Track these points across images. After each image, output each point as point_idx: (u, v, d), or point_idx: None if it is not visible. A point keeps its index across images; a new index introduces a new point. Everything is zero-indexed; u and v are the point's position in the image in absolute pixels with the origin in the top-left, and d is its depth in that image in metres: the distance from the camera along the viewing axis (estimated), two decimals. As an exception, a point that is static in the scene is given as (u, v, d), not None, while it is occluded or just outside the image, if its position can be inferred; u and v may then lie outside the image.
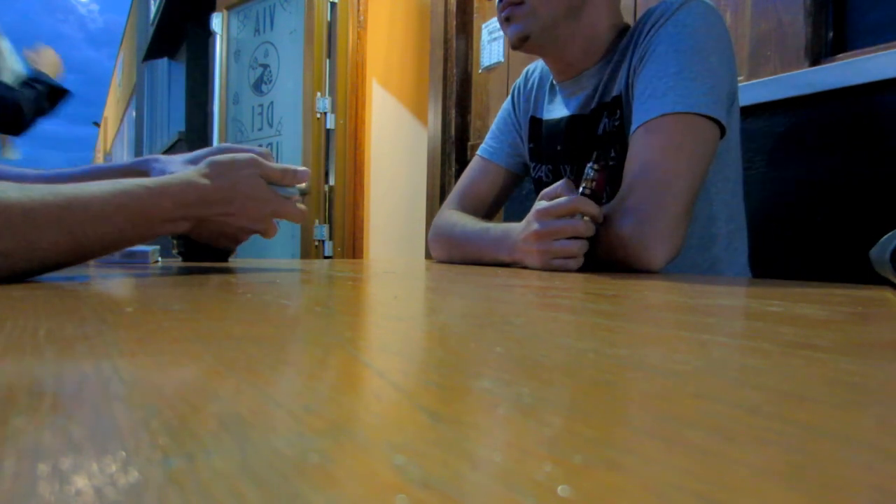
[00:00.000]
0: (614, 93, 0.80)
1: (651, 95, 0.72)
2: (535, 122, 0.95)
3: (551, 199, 0.70)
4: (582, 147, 0.85)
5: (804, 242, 0.88)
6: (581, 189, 0.70)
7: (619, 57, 0.80)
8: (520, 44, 0.82)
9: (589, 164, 0.70)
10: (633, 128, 0.74)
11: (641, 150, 0.71)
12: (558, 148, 0.89)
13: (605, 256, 0.71)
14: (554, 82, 0.91)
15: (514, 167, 1.01)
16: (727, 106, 0.73)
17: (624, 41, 0.81)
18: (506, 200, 1.07)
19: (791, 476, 0.09)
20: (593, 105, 0.83)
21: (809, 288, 0.47)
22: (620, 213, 0.70)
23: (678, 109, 0.70)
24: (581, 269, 0.70)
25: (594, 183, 0.70)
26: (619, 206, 0.71)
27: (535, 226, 0.70)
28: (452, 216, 0.96)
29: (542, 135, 0.93)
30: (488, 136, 1.04)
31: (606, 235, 0.70)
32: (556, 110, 0.91)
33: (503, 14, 0.82)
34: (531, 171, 0.97)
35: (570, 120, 0.86)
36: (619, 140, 0.79)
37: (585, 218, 0.69)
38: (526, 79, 1.00)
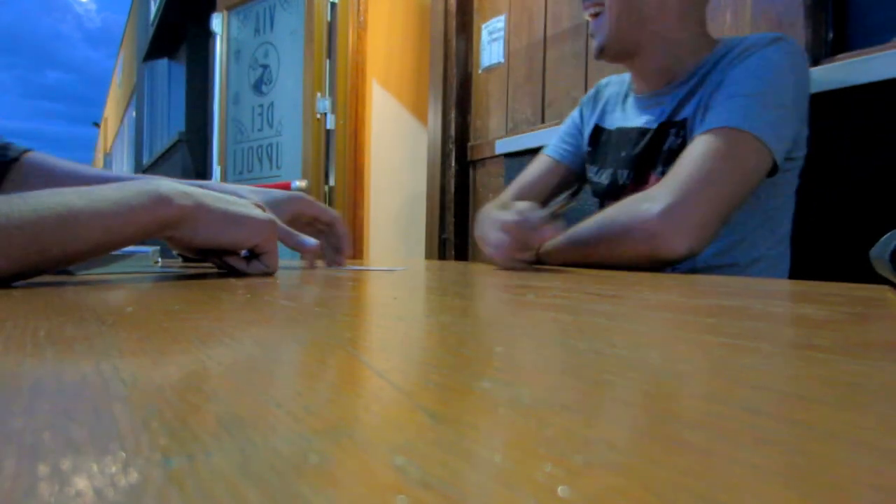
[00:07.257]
0: (683, 115, 0.83)
1: (720, 109, 0.75)
2: (597, 130, 1.00)
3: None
4: (644, 157, 0.87)
5: (804, 242, 0.88)
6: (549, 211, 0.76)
7: (698, 81, 0.83)
8: (599, 55, 0.88)
9: (564, 195, 0.77)
10: (696, 132, 0.76)
11: (694, 149, 0.74)
12: (622, 154, 0.92)
13: (624, 239, 0.73)
14: (632, 93, 0.94)
15: (576, 167, 1.06)
16: (787, 148, 0.75)
17: (706, 66, 0.82)
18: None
19: (791, 476, 0.09)
20: (662, 120, 0.86)
21: (809, 288, 0.47)
22: (654, 194, 0.72)
23: (741, 126, 0.72)
24: (589, 267, 0.73)
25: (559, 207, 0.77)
26: (655, 189, 0.74)
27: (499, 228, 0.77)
28: (486, 208, 0.99)
29: (603, 140, 0.97)
30: (555, 139, 1.08)
31: (630, 214, 0.73)
32: (629, 119, 0.94)
33: (592, 30, 0.89)
34: (588, 173, 1.02)
35: (640, 131, 0.89)
36: None
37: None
38: (597, 91, 1.04)
